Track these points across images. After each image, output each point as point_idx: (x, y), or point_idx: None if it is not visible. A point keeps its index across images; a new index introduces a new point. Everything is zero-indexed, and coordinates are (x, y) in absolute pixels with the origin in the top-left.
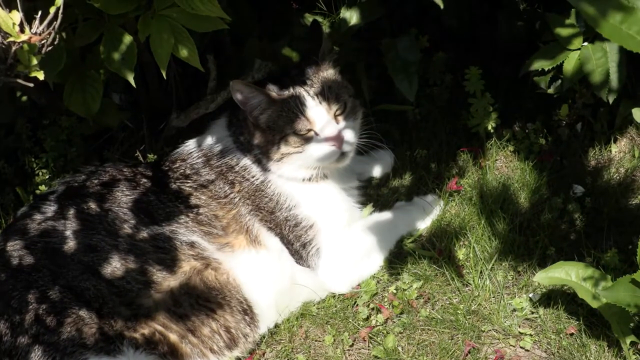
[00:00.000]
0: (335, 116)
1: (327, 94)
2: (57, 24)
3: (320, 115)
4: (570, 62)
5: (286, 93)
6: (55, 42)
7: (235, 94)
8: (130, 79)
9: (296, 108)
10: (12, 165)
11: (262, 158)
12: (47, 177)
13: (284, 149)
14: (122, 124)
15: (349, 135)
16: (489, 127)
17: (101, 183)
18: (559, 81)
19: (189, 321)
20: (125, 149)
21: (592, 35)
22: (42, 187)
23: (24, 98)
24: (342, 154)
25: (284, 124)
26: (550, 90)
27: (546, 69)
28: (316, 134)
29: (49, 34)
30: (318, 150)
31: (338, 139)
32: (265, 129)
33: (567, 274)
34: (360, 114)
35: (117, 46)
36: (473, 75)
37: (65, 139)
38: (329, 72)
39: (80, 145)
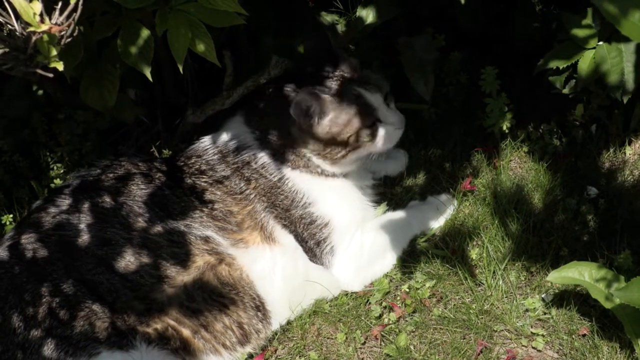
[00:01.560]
0: (387, 103)
1: (375, 84)
2: (77, 15)
3: (380, 105)
4: (585, 61)
5: (340, 91)
6: (75, 34)
7: (298, 105)
8: (147, 73)
9: (361, 104)
10: (27, 159)
11: (320, 161)
12: (61, 171)
13: (352, 145)
14: (138, 120)
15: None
16: (504, 128)
17: (116, 177)
18: (574, 81)
19: (202, 316)
20: (140, 145)
21: (608, 36)
22: (57, 181)
23: (40, 92)
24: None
25: (356, 120)
26: (565, 90)
27: (561, 68)
28: (379, 121)
29: (69, 25)
30: (387, 136)
31: (401, 121)
32: (328, 132)
33: (581, 274)
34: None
35: (134, 40)
36: (489, 75)
37: (81, 133)
38: (357, 66)
39: (96, 140)
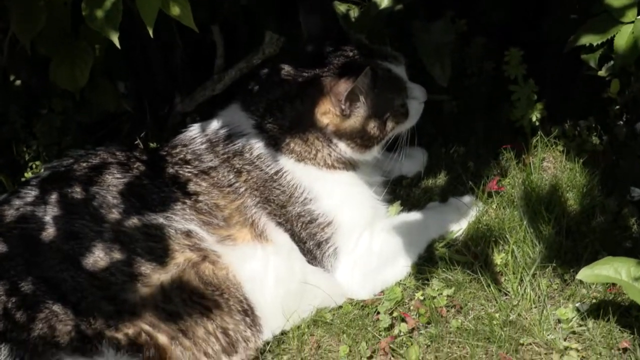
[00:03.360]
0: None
1: (395, 56)
2: None
3: (406, 78)
4: (622, 36)
5: (376, 67)
6: None
7: (352, 91)
8: (114, 39)
9: (394, 80)
10: (5, 157)
11: (349, 149)
12: (40, 170)
13: (390, 125)
14: (125, 112)
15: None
16: (534, 119)
17: (90, 167)
18: (612, 62)
19: (180, 320)
20: (131, 141)
21: None
22: (28, 174)
23: (18, 82)
24: None
25: (393, 97)
26: (602, 72)
27: (595, 45)
28: (407, 97)
29: None
30: (415, 111)
31: (425, 94)
32: (367, 116)
33: (617, 271)
34: None
35: (100, 3)
36: (513, 58)
37: (60, 126)
38: (367, 42)
39: (77, 134)
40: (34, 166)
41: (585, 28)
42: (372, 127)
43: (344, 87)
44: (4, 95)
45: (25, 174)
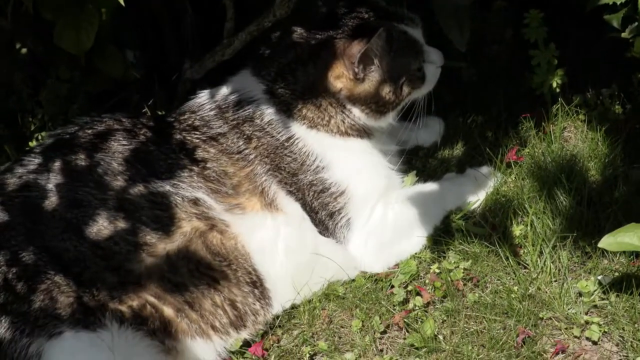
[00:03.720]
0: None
1: (412, 18)
2: None
3: (423, 42)
4: None
5: (391, 29)
6: None
7: (365, 53)
8: None
9: (410, 43)
10: (11, 129)
11: (364, 115)
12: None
13: (406, 90)
14: (133, 82)
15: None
16: (554, 85)
17: (95, 134)
18: (636, 23)
19: (187, 292)
20: (139, 112)
21: None
22: (32, 143)
23: (23, 50)
24: None
25: (409, 61)
26: (625, 34)
27: (618, 4)
28: (423, 61)
29: None
30: (432, 76)
31: (442, 58)
32: (382, 80)
33: None
34: None
35: None
36: (534, 20)
37: (66, 94)
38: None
39: (84, 104)
40: (39, 137)
41: None
42: (387, 91)
43: (357, 48)
44: (10, 64)
45: (30, 144)
